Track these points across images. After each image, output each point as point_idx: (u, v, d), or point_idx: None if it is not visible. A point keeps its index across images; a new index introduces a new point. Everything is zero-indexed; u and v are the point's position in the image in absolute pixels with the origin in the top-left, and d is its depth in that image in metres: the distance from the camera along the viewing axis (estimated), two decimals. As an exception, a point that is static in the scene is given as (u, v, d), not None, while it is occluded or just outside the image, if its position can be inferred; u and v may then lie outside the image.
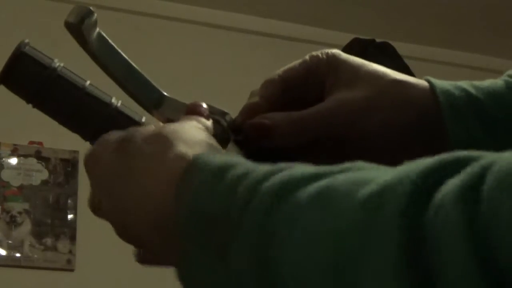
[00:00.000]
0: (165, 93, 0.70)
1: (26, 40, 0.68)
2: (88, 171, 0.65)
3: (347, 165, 0.48)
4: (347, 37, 3.20)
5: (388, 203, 0.41)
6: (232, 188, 0.51)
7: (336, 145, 0.72)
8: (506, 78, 0.74)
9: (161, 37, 3.44)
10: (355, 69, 0.72)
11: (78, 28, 0.64)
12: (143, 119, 0.70)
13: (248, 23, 3.55)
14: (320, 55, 0.74)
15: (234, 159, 0.55)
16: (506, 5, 3.46)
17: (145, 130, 0.61)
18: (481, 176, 0.39)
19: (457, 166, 0.41)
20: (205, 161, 0.55)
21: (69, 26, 0.65)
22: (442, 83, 0.72)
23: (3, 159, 3.11)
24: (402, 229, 0.40)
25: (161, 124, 0.67)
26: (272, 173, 0.50)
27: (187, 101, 0.69)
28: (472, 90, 0.72)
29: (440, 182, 0.41)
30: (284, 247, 0.45)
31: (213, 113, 0.67)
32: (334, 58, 0.73)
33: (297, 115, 0.71)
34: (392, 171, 0.44)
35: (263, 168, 0.52)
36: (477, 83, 0.74)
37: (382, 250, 0.40)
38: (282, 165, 0.51)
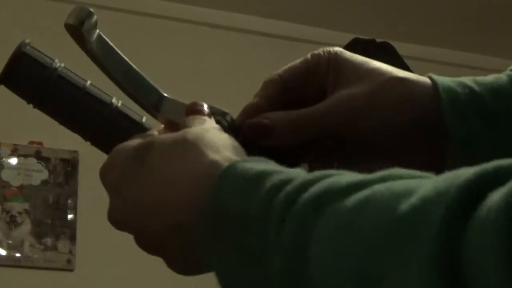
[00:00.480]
0: (165, 94, 0.70)
1: (27, 40, 0.68)
2: (106, 182, 0.63)
3: (385, 173, 0.48)
4: (347, 37, 3.20)
5: (427, 218, 0.40)
6: (269, 198, 0.50)
7: (336, 144, 0.72)
8: (510, 73, 0.73)
9: (161, 37, 3.44)
10: (356, 67, 0.71)
11: (78, 30, 0.64)
12: (144, 119, 0.70)
13: (248, 23, 3.55)
14: (321, 53, 0.73)
15: (269, 166, 0.54)
16: (506, 5, 3.46)
17: (166, 136, 0.60)
18: None
19: (498, 178, 0.40)
20: (240, 169, 0.54)
21: (69, 28, 0.65)
22: (444, 80, 0.72)
23: (3, 159, 3.11)
24: (439, 247, 0.39)
25: (164, 127, 0.66)
26: (310, 183, 0.49)
27: (187, 101, 0.69)
28: (475, 86, 0.71)
29: (481, 195, 0.40)
30: (321, 260, 0.45)
31: (214, 113, 0.67)
32: (335, 57, 0.72)
33: (296, 114, 0.71)
34: (431, 181, 0.43)
35: (300, 176, 0.51)
36: (480, 78, 0.73)
37: (419, 266, 0.40)
38: (319, 173, 0.50)
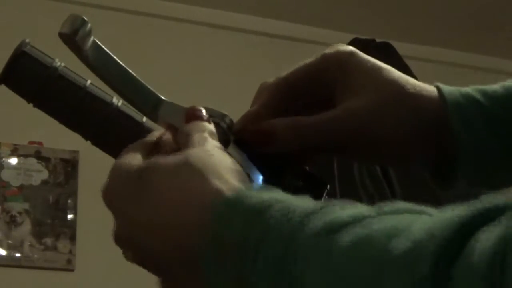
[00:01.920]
0: (163, 97, 0.70)
1: (27, 40, 0.68)
2: (108, 202, 0.63)
3: (386, 208, 0.49)
4: (347, 37, 3.20)
5: (417, 262, 0.42)
6: (270, 231, 0.51)
7: (339, 152, 0.72)
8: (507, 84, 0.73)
9: (161, 37, 3.44)
10: (366, 75, 0.70)
11: (72, 38, 0.64)
12: (144, 119, 0.70)
13: (248, 23, 3.55)
14: (332, 56, 0.71)
15: (272, 196, 0.54)
16: (506, 5, 3.46)
17: (169, 159, 0.60)
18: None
19: (488, 216, 0.42)
20: (243, 198, 0.54)
21: (63, 36, 0.65)
22: (451, 92, 0.71)
23: (3, 159, 3.11)
24: None
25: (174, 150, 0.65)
26: (309, 216, 0.50)
27: (187, 102, 0.69)
28: (481, 98, 0.71)
29: (470, 234, 0.41)
30: None
31: (212, 116, 0.67)
32: (346, 61, 0.71)
33: (301, 123, 0.70)
34: (429, 219, 0.45)
35: (300, 207, 0.51)
36: (485, 88, 0.72)
37: None
38: (318, 206, 0.51)
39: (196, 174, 0.57)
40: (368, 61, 0.71)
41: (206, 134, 0.63)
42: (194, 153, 0.60)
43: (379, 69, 0.70)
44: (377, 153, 0.70)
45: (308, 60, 0.73)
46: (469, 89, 0.72)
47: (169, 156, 0.60)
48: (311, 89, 0.72)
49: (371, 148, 0.70)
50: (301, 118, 0.70)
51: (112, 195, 0.62)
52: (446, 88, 0.71)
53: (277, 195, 0.54)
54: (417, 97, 0.70)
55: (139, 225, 0.60)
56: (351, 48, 0.72)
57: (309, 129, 0.69)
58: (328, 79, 0.71)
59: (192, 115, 0.66)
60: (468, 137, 0.69)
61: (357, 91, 0.69)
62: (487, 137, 0.70)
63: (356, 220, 0.47)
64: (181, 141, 0.63)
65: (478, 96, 0.71)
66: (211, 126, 0.65)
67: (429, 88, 0.72)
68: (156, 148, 0.66)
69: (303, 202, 0.52)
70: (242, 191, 0.55)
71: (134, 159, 0.62)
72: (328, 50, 0.72)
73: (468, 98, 0.71)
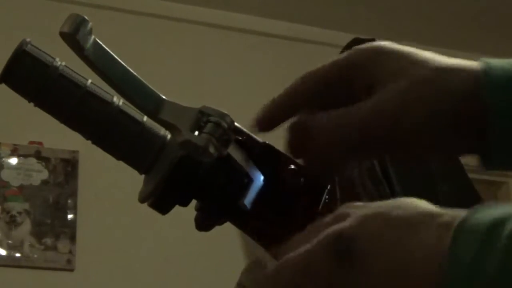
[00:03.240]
0: (164, 97, 0.70)
1: (28, 39, 0.68)
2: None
3: None
4: (347, 37, 3.20)
5: None
6: (508, 249, 0.45)
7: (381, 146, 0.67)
8: None
9: (161, 37, 3.44)
10: (401, 60, 0.67)
11: (73, 37, 0.64)
12: (145, 118, 0.70)
13: (248, 23, 3.55)
14: (365, 48, 0.69)
15: (503, 212, 0.47)
16: (506, 5, 3.46)
17: (375, 234, 0.50)
18: None
19: None
20: (473, 222, 0.47)
21: (64, 35, 0.65)
22: (496, 68, 0.66)
23: (3, 159, 3.11)
24: None
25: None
26: None
27: (187, 101, 0.69)
28: None
29: None
30: None
31: (213, 115, 0.67)
32: (380, 51, 0.68)
33: (339, 114, 0.66)
34: None
35: None
36: None
37: None
38: None
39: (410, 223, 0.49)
40: (403, 48, 0.68)
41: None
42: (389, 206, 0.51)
43: (414, 53, 0.68)
44: (415, 140, 0.66)
45: (340, 56, 0.70)
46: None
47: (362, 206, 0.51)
48: (346, 81, 0.69)
49: (410, 136, 0.65)
50: (337, 109, 0.67)
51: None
52: (491, 61, 0.66)
53: (505, 210, 0.48)
54: (453, 73, 0.67)
55: None
56: (384, 42, 0.69)
57: (348, 119, 0.65)
58: (364, 69, 0.68)
59: None
60: (497, 95, 0.64)
61: (393, 75, 0.66)
62: None
63: None
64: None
65: None
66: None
67: (469, 63, 0.68)
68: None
69: None
70: (469, 216, 0.48)
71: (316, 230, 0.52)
72: (359, 48, 0.70)
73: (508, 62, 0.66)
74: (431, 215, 0.50)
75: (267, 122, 0.72)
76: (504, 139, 0.64)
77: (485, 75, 0.65)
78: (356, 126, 0.65)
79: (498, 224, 0.46)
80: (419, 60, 0.67)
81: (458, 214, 0.48)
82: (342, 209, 0.54)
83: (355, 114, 0.66)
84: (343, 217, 0.52)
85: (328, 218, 0.54)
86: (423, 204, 0.52)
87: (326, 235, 0.50)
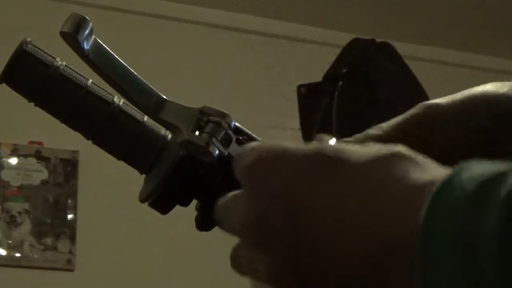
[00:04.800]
0: (164, 97, 0.70)
1: (28, 39, 0.68)
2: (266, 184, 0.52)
3: None
4: (347, 37, 3.20)
5: None
6: (486, 206, 0.43)
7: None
8: None
9: (161, 37, 3.44)
10: None
11: (74, 37, 0.65)
12: (145, 118, 0.70)
13: (248, 23, 3.55)
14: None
15: (487, 169, 0.46)
16: (506, 5, 3.46)
17: (361, 150, 0.51)
18: None
19: None
20: (459, 181, 0.45)
21: (64, 35, 0.66)
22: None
23: (3, 159, 3.11)
24: None
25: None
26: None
27: (187, 101, 0.69)
28: None
29: None
30: None
31: (213, 115, 0.67)
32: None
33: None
34: None
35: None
36: None
37: None
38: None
39: (397, 163, 0.49)
40: None
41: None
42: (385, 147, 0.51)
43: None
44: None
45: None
46: None
47: (362, 148, 0.51)
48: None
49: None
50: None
51: (275, 177, 0.51)
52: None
53: (487, 167, 0.46)
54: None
55: (322, 220, 0.49)
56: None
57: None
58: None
59: None
60: None
61: None
62: None
63: None
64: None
65: None
66: None
67: None
68: None
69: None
70: (453, 175, 0.46)
71: (294, 148, 0.53)
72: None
73: None
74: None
75: None
76: None
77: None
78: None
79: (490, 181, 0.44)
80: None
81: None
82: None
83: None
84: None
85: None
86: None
87: (331, 149, 0.51)
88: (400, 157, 0.49)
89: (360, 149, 0.51)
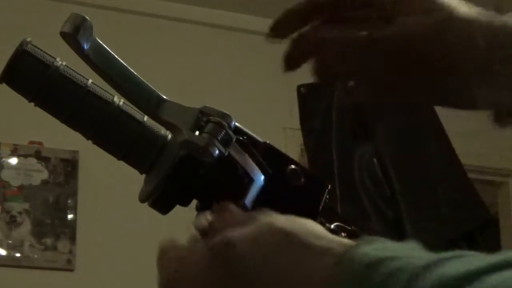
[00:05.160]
0: (164, 97, 0.70)
1: (28, 39, 0.68)
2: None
3: (499, 259, 0.46)
4: (347, 37, 3.21)
5: None
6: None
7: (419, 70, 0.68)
8: None
9: (161, 37, 3.44)
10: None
11: (74, 37, 0.65)
12: (145, 118, 0.70)
13: (248, 23, 3.55)
14: None
15: (384, 251, 0.49)
16: (505, 5, 3.46)
17: (246, 230, 0.54)
18: None
19: None
20: (355, 257, 0.49)
21: (64, 35, 0.66)
22: None
23: (3, 159, 3.12)
24: None
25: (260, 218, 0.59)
26: (425, 268, 0.47)
27: (188, 101, 0.69)
28: None
29: None
30: None
31: (213, 115, 0.67)
32: None
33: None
34: None
35: (410, 266, 0.47)
36: None
37: None
38: (430, 260, 0.47)
39: (293, 239, 0.52)
40: None
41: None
42: (275, 218, 0.54)
43: None
44: (456, 65, 0.66)
45: None
46: None
47: (241, 229, 0.54)
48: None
49: (449, 59, 0.66)
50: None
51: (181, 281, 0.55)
52: None
53: (387, 249, 0.49)
54: (468, 23, 0.67)
55: None
56: None
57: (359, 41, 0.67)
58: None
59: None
60: None
61: (412, 11, 0.67)
62: None
63: (470, 276, 0.45)
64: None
65: None
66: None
67: (487, 14, 0.69)
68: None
69: (411, 256, 0.48)
70: (352, 248, 0.50)
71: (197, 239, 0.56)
72: None
73: None
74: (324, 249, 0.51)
75: (281, 28, 0.73)
76: None
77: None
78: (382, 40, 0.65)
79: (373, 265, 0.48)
80: (437, 3, 0.67)
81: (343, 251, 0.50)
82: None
83: (380, 31, 0.67)
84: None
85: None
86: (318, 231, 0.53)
87: (221, 237, 0.54)
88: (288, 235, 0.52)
89: (243, 229, 0.53)
